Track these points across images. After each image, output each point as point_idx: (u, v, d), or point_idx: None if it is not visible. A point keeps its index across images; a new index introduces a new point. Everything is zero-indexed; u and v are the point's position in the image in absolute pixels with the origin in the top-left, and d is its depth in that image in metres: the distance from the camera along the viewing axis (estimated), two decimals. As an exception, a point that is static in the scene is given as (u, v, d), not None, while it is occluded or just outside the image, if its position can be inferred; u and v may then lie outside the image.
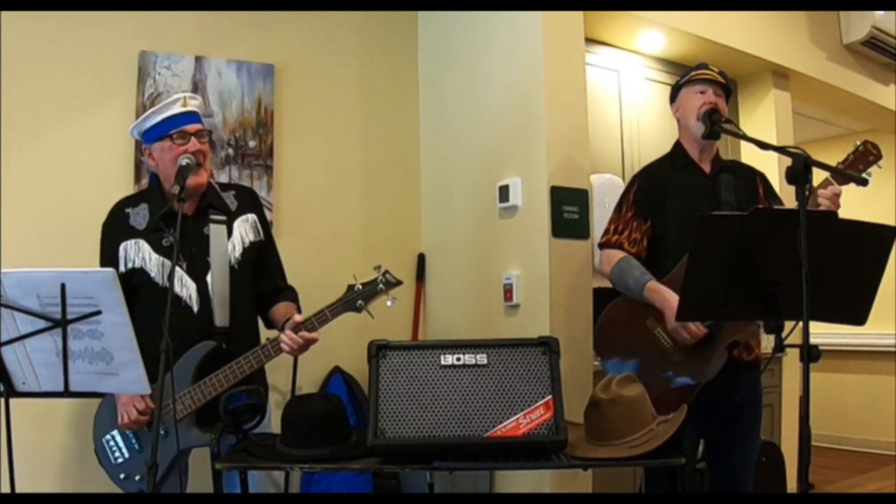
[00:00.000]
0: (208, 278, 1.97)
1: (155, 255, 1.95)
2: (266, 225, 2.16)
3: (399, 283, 1.98)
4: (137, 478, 1.95)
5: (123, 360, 1.53)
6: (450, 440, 1.65)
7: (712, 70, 2.31)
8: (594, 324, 2.67)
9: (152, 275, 1.95)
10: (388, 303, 1.98)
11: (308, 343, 1.92)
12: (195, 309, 1.95)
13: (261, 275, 2.11)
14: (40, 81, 2.52)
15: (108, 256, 1.98)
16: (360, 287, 1.95)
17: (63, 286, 1.47)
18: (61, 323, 1.50)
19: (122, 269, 1.94)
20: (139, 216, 2.00)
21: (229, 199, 2.09)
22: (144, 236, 1.97)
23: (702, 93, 2.25)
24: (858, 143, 2.11)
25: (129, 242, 1.97)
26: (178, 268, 1.89)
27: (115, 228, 2.01)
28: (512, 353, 1.74)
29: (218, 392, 1.88)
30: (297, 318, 1.91)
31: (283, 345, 1.90)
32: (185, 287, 1.95)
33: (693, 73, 2.32)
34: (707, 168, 2.28)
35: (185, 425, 1.90)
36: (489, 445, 1.67)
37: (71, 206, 2.53)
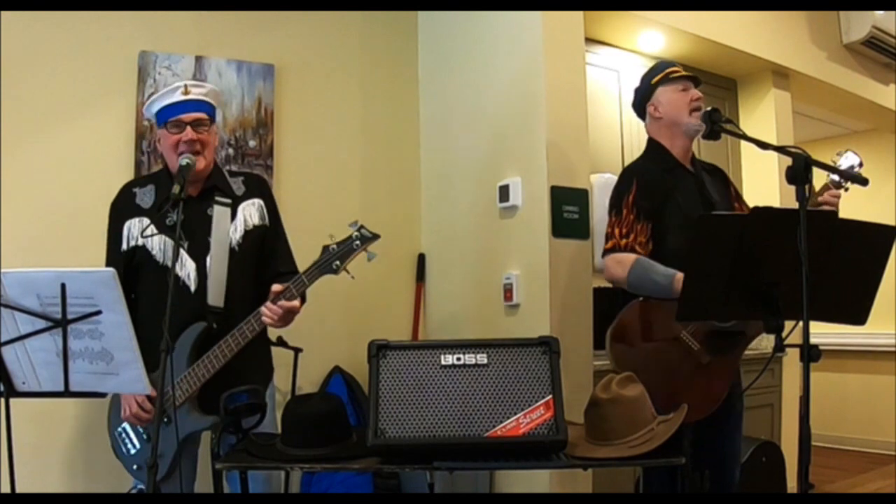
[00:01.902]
0: (208, 259, 1.97)
1: (157, 234, 1.96)
2: (274, 211, 2.13)
3: (376, 236, 1.89)
4: None
5: (123, 359, 1.53)
6: (450, 440, 1.65)
7: (680, 66, 2.31)
8: (594, 324, 2.68)
9: (153, 252, 1.96)
10: (368, 258, 1.89)
11: (289, 312, 1.88)
12: (192, 288, 1.95)
13: (265, 261, 2.09)
14: (41, 81, 2.52)
15: (114, 235, 2.01)
16: (335, 247, 1.87)
17: (63, 286, 1.47)
18: (61, 323, 1.50)
19: (124, 246, 1.97)
20: (146, 196, 2.02)
21: (237, 184, 2.09)
22: (149, 215, 1.99)
23: (684, 90, 2.25)
24: (842, 151, 2.12)
25: (133, 220, 1.99)
26: (180, 248, 1.93)
27: (122, 207, 2.04)
28: (512, 353, 1.74)
29: (211, 373, 1.88)
30: (276, 287, 1.87)
31: (263, 317, 1.88)
32: (185, 267, 1.95)
33: (667, 69, 2.30)
34: (689, 167, 2.29)
35: (185, 410, 1.89)
36: (489, 445, 1.66)
37: (71, 205, 2.53)
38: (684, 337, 2.09)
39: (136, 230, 1.97)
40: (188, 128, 1.94)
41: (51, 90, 2.53)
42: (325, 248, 1.87)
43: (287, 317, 1.90)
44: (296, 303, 1.88)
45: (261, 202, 2.09)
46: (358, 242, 1.87)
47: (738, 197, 2.40)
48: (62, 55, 2.55)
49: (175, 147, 1.95)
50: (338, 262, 1.86)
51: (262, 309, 1.88)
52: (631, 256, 2.13)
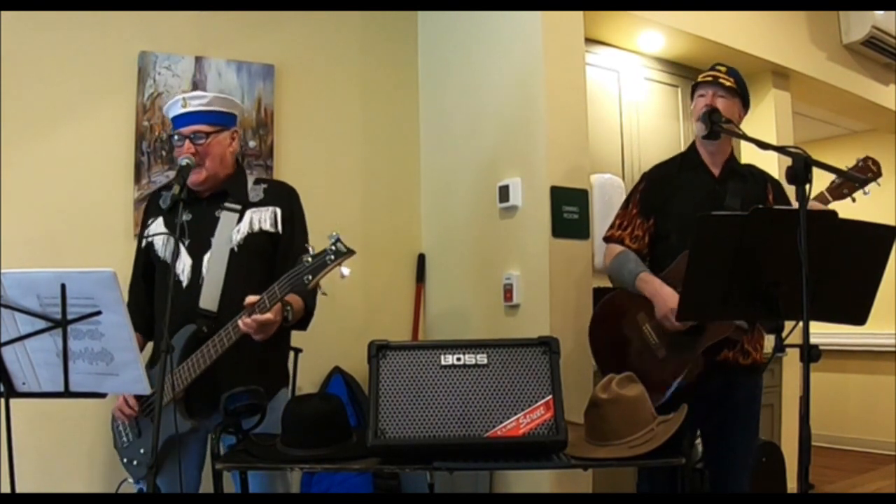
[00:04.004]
0: (205, 257, 1.98)
1: (163, 231, 2.03)
2: (293, 221, 2.07)
3: (350, 252, 1.75)
4: (135, 462, 2.00)
5: (123, 360, 1.53)
6: (450, 440, 1.65)
7: (719, 70, 2.30)
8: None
9: (157, 249, 2.03)
10: (343, 273, 1.75)
11: (263, 325, 1.81)
12: (185, 284, 1.96)
13: (277, 271, 2.01)
14: (41, 81, 2.52)
15: (141, 235, 2.13)
16: (310, 260, 1.76)
17: (63, 286, 1.47)
18: (61, 323, 1.50)
19: (143, 244, 2.08)
20: (168, 198, 2.06)
21: (256, 191, 2.07)
22: (163, 214, 2.06)
23: (701, 96, 2.26)
24: (860, 158, 2.13)
25: (152, 220, 2.09)
26: (180, 244, 1.97)
27: (149, 209, 2.15)
28: (512, 353, 1.74)
29: (192, 377, 1.88)
30: (250, 299, 1.82)
31: (240, 326, 1.83)
32: (182, 263, 1.97)
33: (701, 74, 2.32)
34: (717, 171, 2.27)
35: (170, 411, 1.87)
36: (489, 445, 1.67)
37: (71, 205, 2.53)
38: (646, 330, 2.17)
39: (151, 228, 2.07)
40: (187, 141, 1.97)
41: (51, 90, 2.53)
42: (300, 259, 1.78)
43: (263, 329, 1.83)
44: (269, 315, 1.80)
45: (277, 210, 2.04)
46: (331, 257, 1.74)
47: (784, 202, 2.31)
48: (62, 55, 2.55)
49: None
50: (309, 277, 1.74)
51: (239, 322, 1.83)
52: (618, 248, 2.28)
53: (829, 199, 2.11)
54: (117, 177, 2.61)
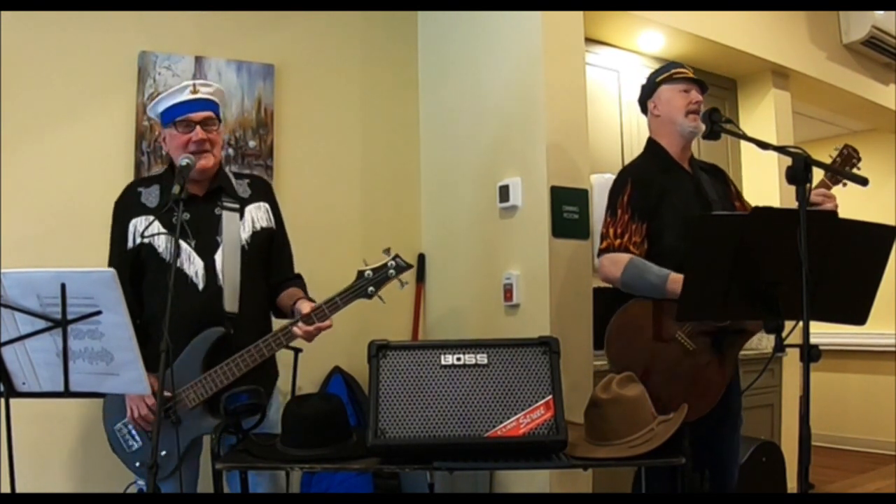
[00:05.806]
0: (217, 257, 1.97)
1: (163, 233, 1.96)
2: (278, 215, 2.17)
3: (409, 266, 2.01)
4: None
5: (123, 360, 1.53)
6: (450, 440, 1.65)
7: (689, 69, 2.32)
8: (594, 324, 2.68)
9: (160, 250, 1.95)
10: (401, 286, 2.00)
11: (320, 330, 1.94)
12: (200, 286, 1.94)
13: (272, 265, 2.12)
14: (41, 81, 2.51)
15: (119, 232, 1.99)
16: (371, 273, 1.96)
17: (63, 286, 1.48)
18: (61, 323, 1.50)
19: (130, 244, 1.96)
20: (151, 195, 2.02)
21: (242, 186, 2.11)
22: (155, 213, 1.97)
23: (686, 91, 2.26)
24: (840, 147, 2.15)
25: (139, 219, 1.98)
26: (187, 246, 1.94)
27: (127, 206, 2.02)
28: (512, 353, 1.74)
29: (230, 381, 1.88)
30: (306, 308, 1.93)
31: (296, 333, 1.93)
32: (193, 265, 1.95)
33: (673, 70, 2.32)
34: (687, 167, 2.29)
35: (198, 413, 1.90)
36: (489, 445, 1.67)
37: (71, 205, 2.53)
38: (680, 337, 2.10)
39: (143, 228, 1.96)
40: (198, 127, 1.95)
41: (51, 90, 2.53)
42: (361, 273, 1.96)
43: (317, 334, 1.95)
44: (328, 322, 1.94)
45: (267, 206, 2.12)
46: (393, 272, 1.97)
47: (739, 196, 2.42)
48: (62, 55, 2.55)
49: (185, 147, 1.95)
50: (372, 289, 1.96)
51: (294, 329, 1.91)
52: (625, 256, 2.15)
53: (830, 185, 2.13)
54: (117, 177, 2.60)
